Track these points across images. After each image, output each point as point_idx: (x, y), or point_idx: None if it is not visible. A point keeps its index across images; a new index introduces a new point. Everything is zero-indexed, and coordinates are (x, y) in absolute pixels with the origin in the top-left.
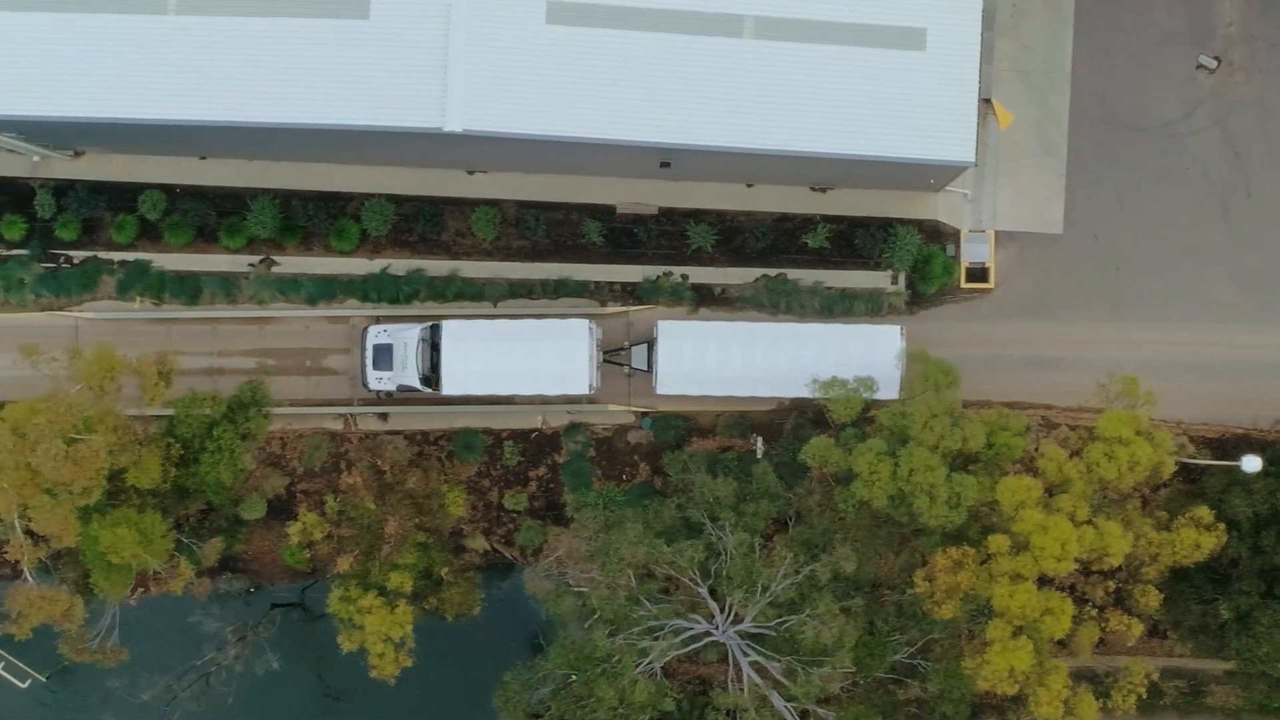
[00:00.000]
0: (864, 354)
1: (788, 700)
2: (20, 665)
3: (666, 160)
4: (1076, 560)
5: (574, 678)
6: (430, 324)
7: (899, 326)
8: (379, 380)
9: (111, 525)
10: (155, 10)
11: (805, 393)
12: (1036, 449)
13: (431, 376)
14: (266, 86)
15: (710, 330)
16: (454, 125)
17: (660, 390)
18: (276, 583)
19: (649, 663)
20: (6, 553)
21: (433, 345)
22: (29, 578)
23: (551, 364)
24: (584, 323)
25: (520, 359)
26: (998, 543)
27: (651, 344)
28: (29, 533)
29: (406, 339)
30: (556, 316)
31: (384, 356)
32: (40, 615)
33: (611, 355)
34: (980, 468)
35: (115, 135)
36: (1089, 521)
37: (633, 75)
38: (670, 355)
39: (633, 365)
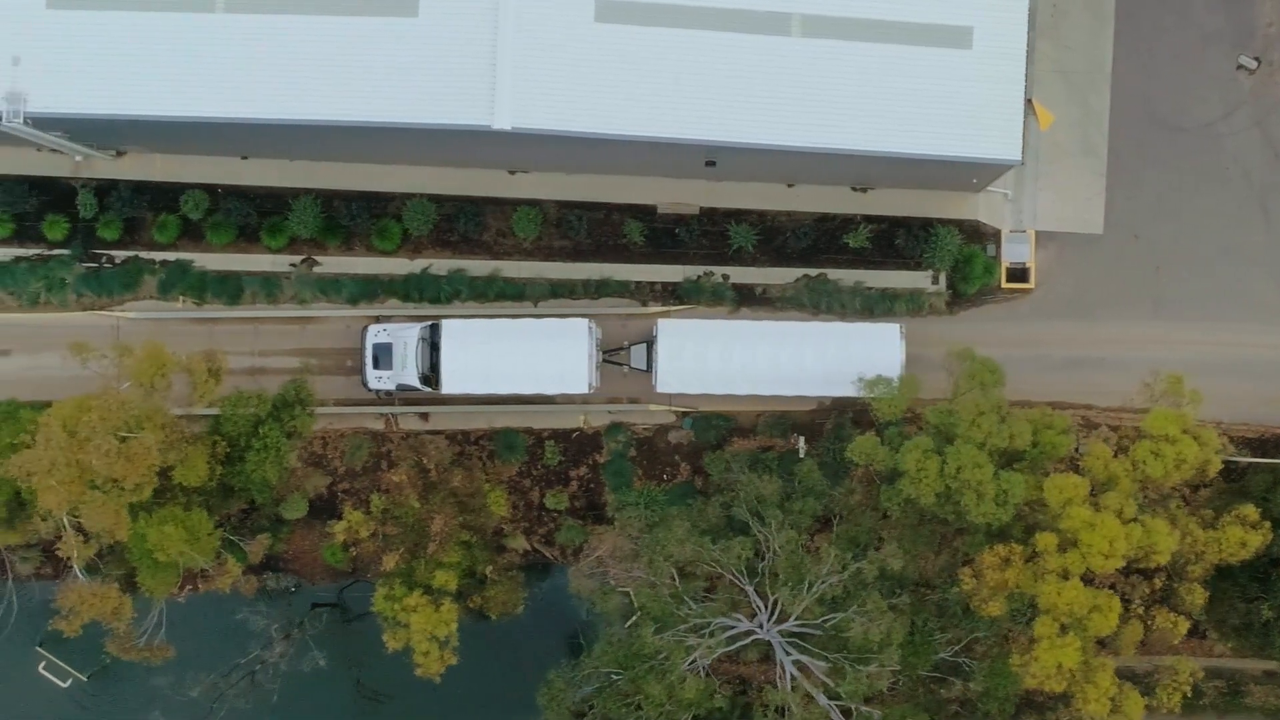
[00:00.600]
0: (864, 353)
1: (832, 698)
2: (61, 664)
3: (712, 159)
4: (1123, 558)
5: (619, 675)
6: (430, 323)
7: (898, 326)
8: (379, 380)
9: (159, 523)
10: (203, 8)
11: (805, 391)
12: (1077, 449)
13: (431, 376)
14: (315, 84)
15: (710, 329)
16: (502, 123)
17: (660, 389)
18: (317, 582)
19: (694, 660)
20: (58, 549)
21: (432, 345)
22: (79, 575)
23: (551, 363)
24: (583, 322)
25: (520, 358)
26: (1045, 540)
27: (651, 343)
28: (77, 529)
29: (406, 338)
30: (555, 316)
31: (384, 356)
32: (91, 612)
33: (611, 355)
34: (1024, 466)
35: (161, 134)
36: (1135, 519)
37: (680, 73)
38: (670, 354)
39: (632, 365)
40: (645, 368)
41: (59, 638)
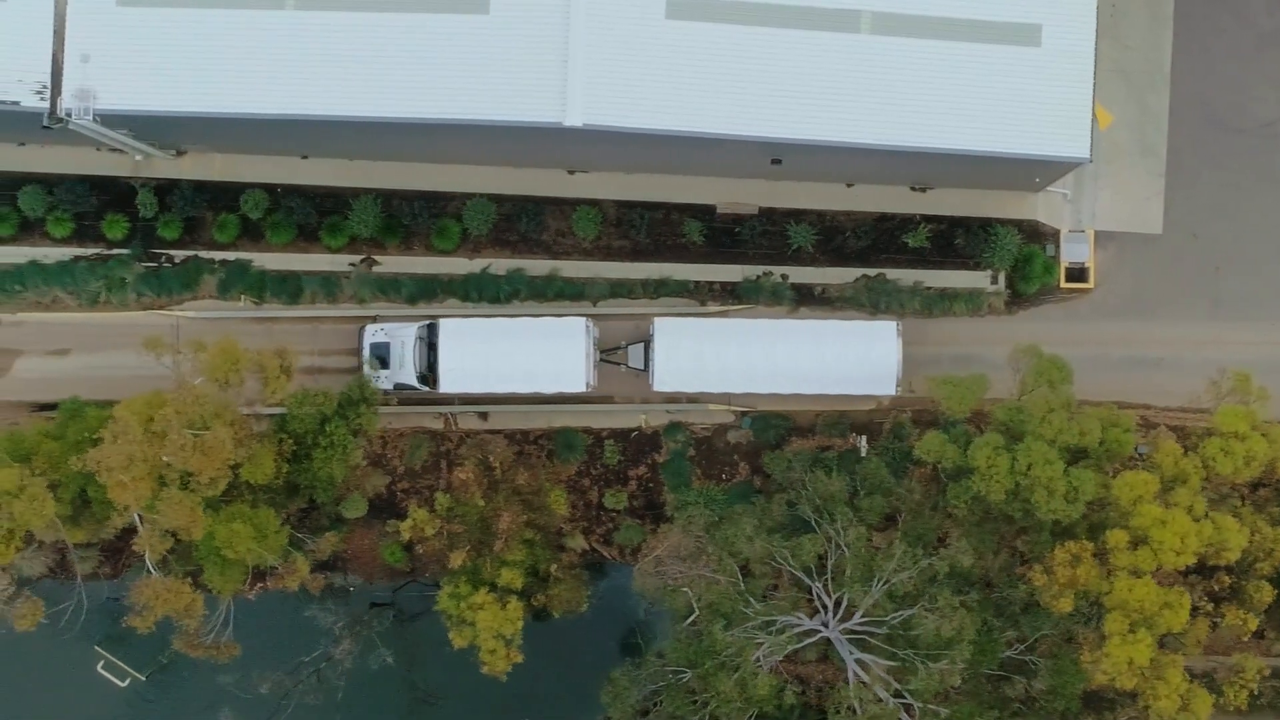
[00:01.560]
0: (862, 350)
1: (895, 696)
2: (119, 664)
3: (778, 158)
4: (1194, 555)
5: (686, 673)
6: (427, 323)
7: (895, 324)
8: (376, 379)
9: (227, 520)
10: (274, 5)
11: (803, 389)
12: (1136, 448)
13: (429, 375)
14: (385, 81)
15: (706, 328)
16: (574, 120)
17: (658, 388)
18: (374, 581)
19: (762, 658)
20: (135, 544)
21: (429, 344)
22: (151, 571)
23: (548, 362)
24: (581, 320)
25: (517, 357)
26: (1116, 537)
27: (648, 342)
28: (147, 526)
29: (404, 338)
30: (553, 315)
31: (381, 355)
32: (164, 609)
33: (608, 354)
34: (1088, 464)
35: (226, 131)
36: (1206, 516)
37: (750, 70)
38: (667, 353)
39: (629, 364)
40: (642, 367)
41: (117, 637)
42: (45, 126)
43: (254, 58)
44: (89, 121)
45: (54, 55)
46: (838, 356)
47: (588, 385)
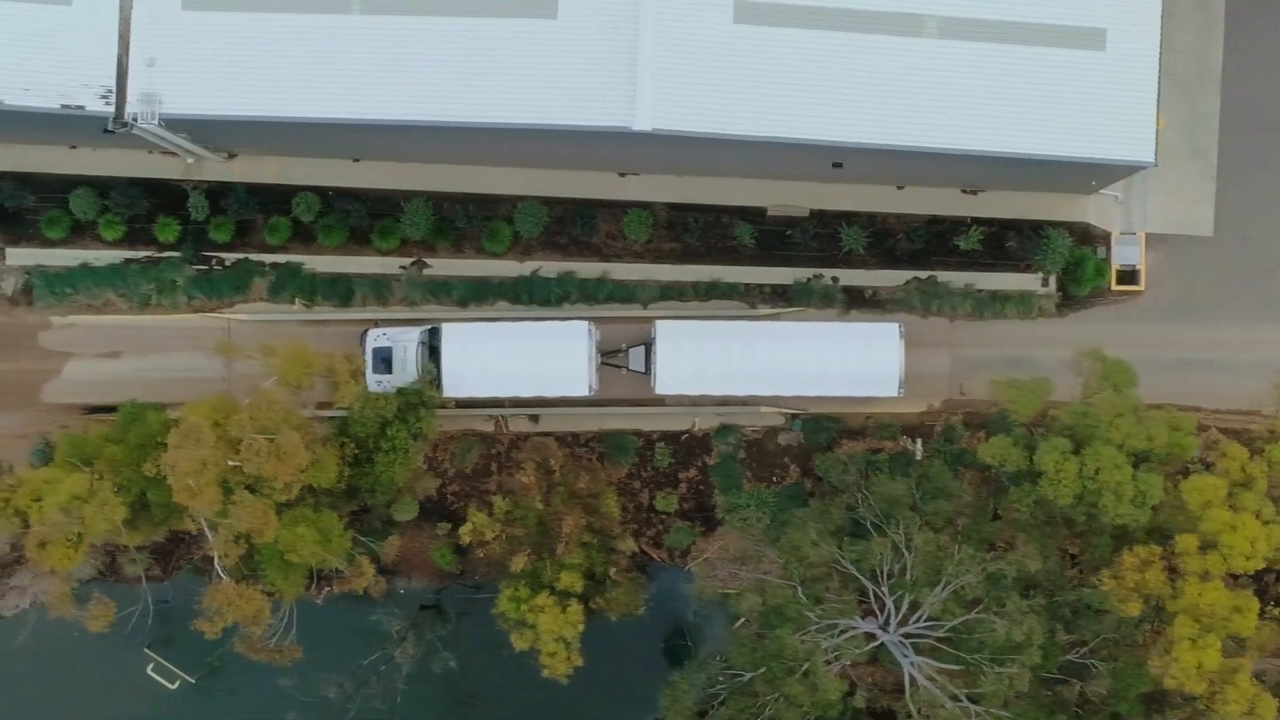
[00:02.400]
0: (864, 353)
1: (952, 699)
2: (169, 667)
3: (840, 161)
4: (1263, 559)
5: (745, 675)
6: (429, 327)
7: (897, 325)
8: (379, 384)
9: (290, 524)
10: (340, 9)
11: (805, 391)
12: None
13: (430, 378)
14: (450, 86)
15: (707, 330)
16: (642, 124)
17: (659, 391)
18: (424, 584)
19: (830, 661)
20: (209, 550)
21: (431, 348)
22: (222, 576)
23: (551, 365)
24: (583, 324)
25: (519, 360)
26: (1186, 542)
27: (650, 345)
28: (214, 529)
29: (406, 342)
30: (556, 319)
31: (385, 359)
32: (235, 614)
33: (609, 357)
34: (1150, 467)
35: (287, 135)
36: (1275, 520)
37: (817, 74)
38: (669, 356)
39: (630, 367)
40: (644, 370)
41: (166, 639)
42: (108, 130)
43: (319, 62)
44: (154, 126)
45: (119, 60)
46: (840, 358)
47: (590, 389)
